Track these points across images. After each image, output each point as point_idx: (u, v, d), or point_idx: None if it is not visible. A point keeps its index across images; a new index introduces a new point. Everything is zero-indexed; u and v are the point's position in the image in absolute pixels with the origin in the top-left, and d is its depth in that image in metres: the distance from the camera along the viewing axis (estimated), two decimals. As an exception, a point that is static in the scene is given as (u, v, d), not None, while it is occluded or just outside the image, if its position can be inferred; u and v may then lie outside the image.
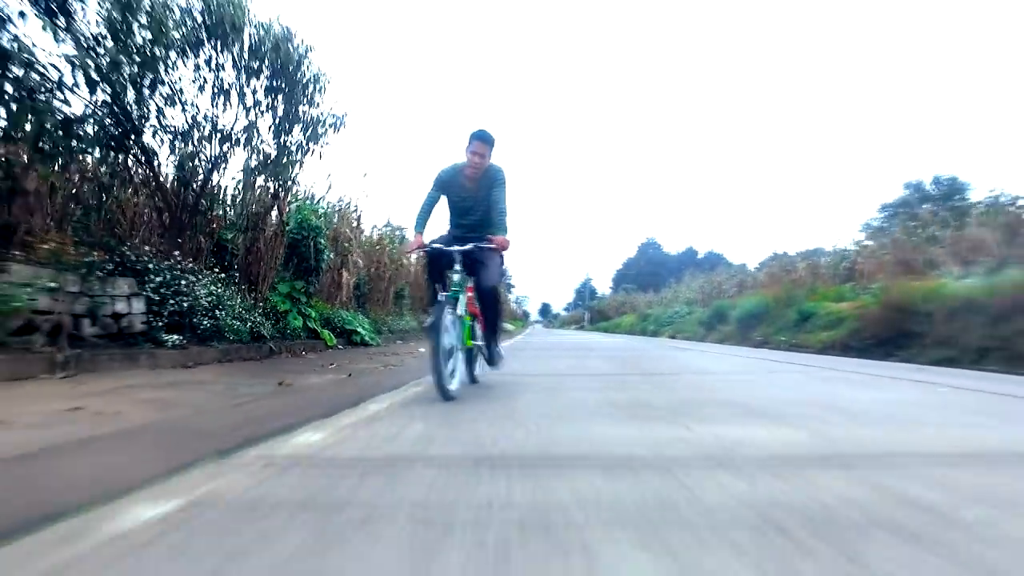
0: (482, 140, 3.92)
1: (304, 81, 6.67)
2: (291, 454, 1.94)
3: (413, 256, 14.69)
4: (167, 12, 5.39)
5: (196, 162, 6.38)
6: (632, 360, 7.53)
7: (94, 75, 4.99)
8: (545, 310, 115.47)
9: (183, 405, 3.31)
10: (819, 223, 75.78)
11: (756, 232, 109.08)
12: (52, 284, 4.43)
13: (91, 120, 5.42)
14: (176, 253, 6.05)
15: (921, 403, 3.28)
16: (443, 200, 4.17)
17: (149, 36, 5.20)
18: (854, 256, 15.49)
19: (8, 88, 4.74)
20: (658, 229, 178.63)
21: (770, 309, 15.71)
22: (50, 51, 5.12)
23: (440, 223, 4.29)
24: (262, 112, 6.82)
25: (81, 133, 5.09)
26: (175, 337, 5.68)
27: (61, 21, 5.03)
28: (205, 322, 6.12)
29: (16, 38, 4.85)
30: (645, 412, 2.91)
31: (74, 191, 5.82)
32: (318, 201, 9.37)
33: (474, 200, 4.07)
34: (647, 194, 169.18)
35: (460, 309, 3.67)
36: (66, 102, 5.01)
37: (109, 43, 5.04)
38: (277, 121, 6.97)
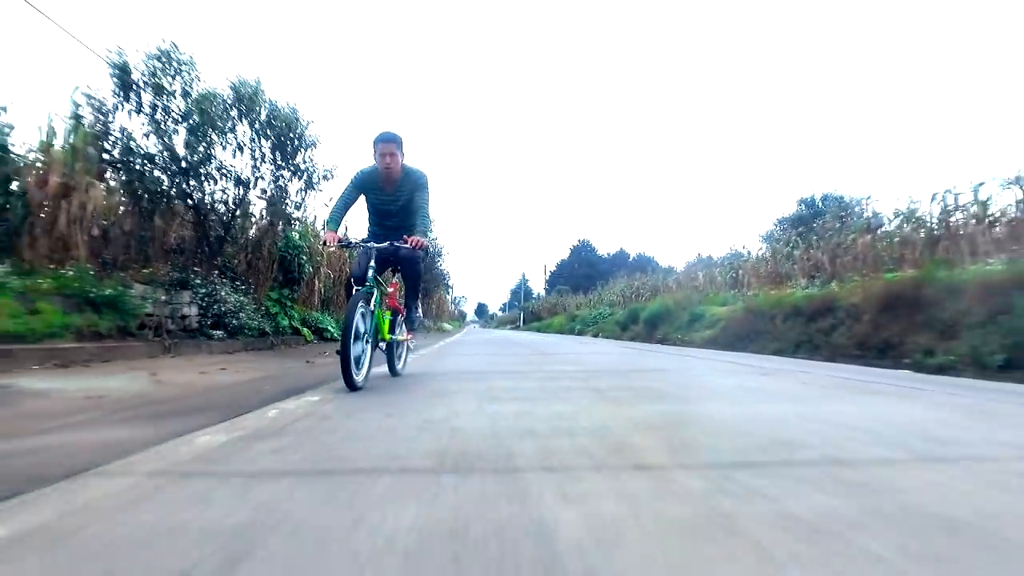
0: (386, 141, 4.08)
1: (304, 144, 9.47)
2: (374, 375, 4.97)
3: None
4: (217, 109, 8.16)
5: (227, 206, 9.08)
6: (540, 348, 10.82)
7: (173, 152, 7.72)
8: (481, 310, 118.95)
9: (269, 369, 6.16)
10: (746, 226, 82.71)
11: (687, 234, 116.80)
12: (163, 297, 7.14)
13: (159, 179, 8.08)
14: (215, 272, 8.75)
15: (667, 364, 6.65)
16: (363, 204, 4.44)
17: (210, 130, 7.96)
18: (738, 267, 19.46)
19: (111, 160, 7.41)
20: (591, 231, 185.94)
21: (670, 311, 19.42)
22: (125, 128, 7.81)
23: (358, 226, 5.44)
24: (267, 163, 9.57)
25: (169, 193, 7.77)
26: (218, 332, 8.41)
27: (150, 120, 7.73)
28: (233, 322, 8.84)
29: (123, 130, 7.55)
30: (531, 365, 6.11)
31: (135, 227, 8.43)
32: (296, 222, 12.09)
33: (394, 203, 4.28)
34: (582, 196, 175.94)
35: (373, 304, 3.93)
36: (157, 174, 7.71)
37: (185, 133, 7.78)
38: (276, 169, 9.73)
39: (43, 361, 5.10)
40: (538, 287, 76.89)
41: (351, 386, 3.59)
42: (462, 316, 69.83)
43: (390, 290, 4.36)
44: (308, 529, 1.18)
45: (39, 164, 6.50)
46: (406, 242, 3.96)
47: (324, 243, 4.21)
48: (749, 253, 19.76)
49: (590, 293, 39.26)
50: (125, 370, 5.17)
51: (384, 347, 4.42)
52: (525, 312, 57.42)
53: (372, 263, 3.93)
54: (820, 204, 31.58)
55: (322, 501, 1.37)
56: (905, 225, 12.28)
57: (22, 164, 6.66)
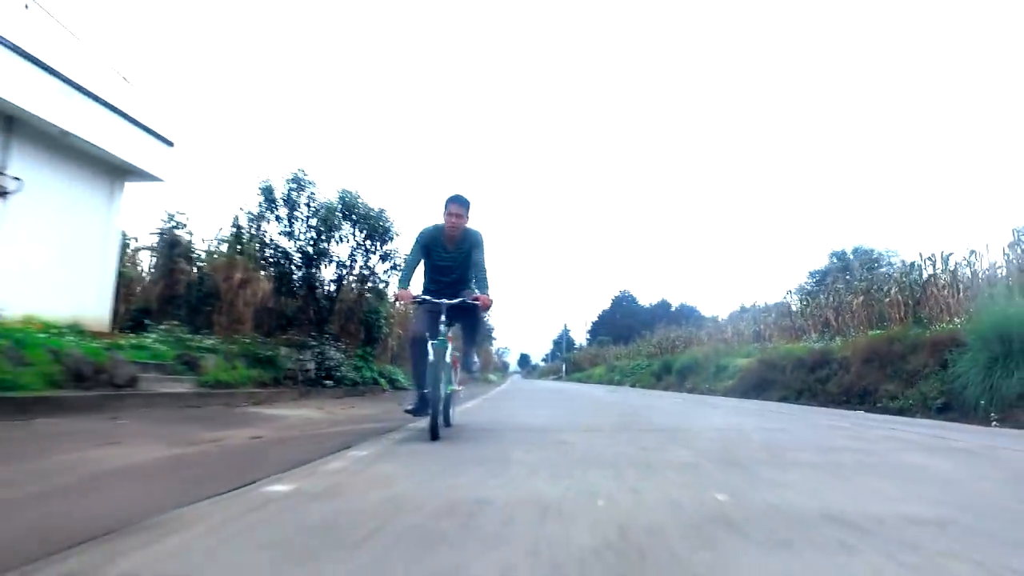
0: (457, 203, 4.53)
1: (390, 236, 12.68)
2: (463, 411, 7.82)
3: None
4: (331, 216, 11.42)
5: (331, 284, 12.29)
6: (572, 394, 13.54)
7: (304, 251, 10.97)
8: (524, 360, 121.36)
9: (382, 407, 9.07)
10: (789, 275, 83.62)
11: (731, 283, 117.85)
12: (298, 356, 10.22)
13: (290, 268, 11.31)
14: (324, 336, 11.86)
15: (654, 402, 9.25)
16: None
17: (325, 230, 11.21)
18: (760, 321, 21.77)
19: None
20: (632, 281, 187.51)
21: (699, 363, 21.73)
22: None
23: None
24: (360, 250, 12.77)
25: (294, 276, 11.00)
26: (329, 382, 11.43)
27: (286, 225, 11.03)
28: (336, 374, 11.86)
29: (264, 233, 10.84)
30: (562, 403, 8.86)
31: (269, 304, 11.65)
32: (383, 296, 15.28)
33: (453, 260, 4.67)
34: (623, 246, 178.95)
35: (447, 356, 4.29)
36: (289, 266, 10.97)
37: (311, 233, 11.04)
38: (366, 254, 12.92)
39: (246, 400, 8.12)
40: (580, 337, 79.21)
41: (435, 435, 3.95)
42: (505, 367, 72.24)
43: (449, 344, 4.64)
44: (491, 435, 4.06)
45: (222, 263, 9.79)
46: (476, 299, 4.45)
47: (396, 300, 4.96)
48: (768, 307, 22.06)
49: (630, 344, 41.57)
50: (297, 407, 8.12)
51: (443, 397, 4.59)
52: (567, 363, 59.76)
53: (443, 317, 4.28)
54: (851, 257, 33.55)
55: (489, 433, 4.22)
56: (892, 288, 14.61)
57: (208, 264, 9.96)
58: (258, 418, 6.26)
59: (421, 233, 4.74)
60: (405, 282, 4.71)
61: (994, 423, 7.38)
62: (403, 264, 5.15)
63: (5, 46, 7.01)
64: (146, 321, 9.71)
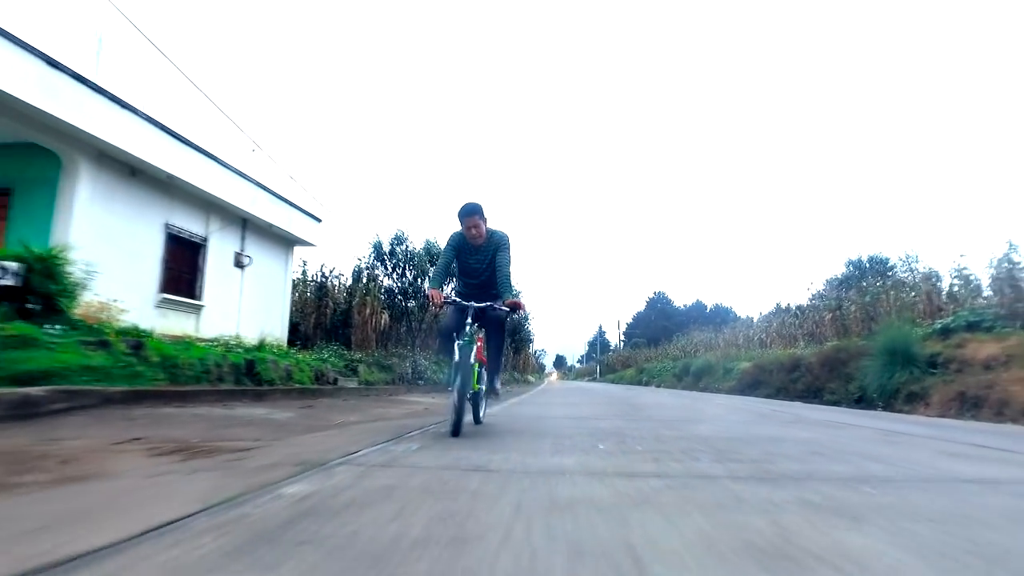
0: (469, 214, 4.81)
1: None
2: (518, 401, 12.92)
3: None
4: (420, 261, 16.69)
5: (418, 311, 17.56)
6: (596, 391, 18.54)
7: (403, 290, 16.28)
8: (560, 362, 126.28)
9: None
10: (821, 273, 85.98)
11: (768, 282, 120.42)
12: (403, 364, 15.44)
13: (392, 300, 16.58)
14: (416, 349, 17.13)
15: (654, 394, 14.14)
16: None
17: (417, 272, 16.50)
18: (765, 329, 26.32)
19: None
20: (668, 282, 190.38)
21: (711, 366, 26.34)
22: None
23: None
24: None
25: (395, 307, 16.32)
26: (420, 381, 16.65)
27: (390, 267, 16.32)
28: (425, 375, 17.06)
29: (376, 276, 16.19)
30: (583, 396, 13.89)
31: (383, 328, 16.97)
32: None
33: (480, 263, 5.03)
34: (658, 247, 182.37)
35: (473, 358, 4.47)
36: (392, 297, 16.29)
37: (407, 275, 16.34)
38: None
39: (385, 392, 13.28)
40: (615, 339, 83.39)
41: (456, 431, 4.23)
42: (541, 368, 77.20)
43: (478, 344, 4.82)
44: (540, 405, 9.10)
45: (359, 302, 15.08)
46: (506, 303, 4.72)
47: (430, 300, 4.86)
48: (770, 316, 26.56)
49: (659, 347, 46.11)
50: (417, 396, 13.27)
51: (470, 396, 4.81)
52: (601, 365, 64.41)
53: (469, 319, 4.56)
54: (867, 265, 37.38)
55: (538, 405, 9.30)
56: (853, 306, 19.13)
57: (346, 302, 15.28)
58: (407, 402, 11.39)
59: (452, 236, 5.05)
60: (436, 281, 4.92)
61: (879, 408, 11.96)
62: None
63: (246, 179, 12.36)
64: (299, 340, 15.06)
